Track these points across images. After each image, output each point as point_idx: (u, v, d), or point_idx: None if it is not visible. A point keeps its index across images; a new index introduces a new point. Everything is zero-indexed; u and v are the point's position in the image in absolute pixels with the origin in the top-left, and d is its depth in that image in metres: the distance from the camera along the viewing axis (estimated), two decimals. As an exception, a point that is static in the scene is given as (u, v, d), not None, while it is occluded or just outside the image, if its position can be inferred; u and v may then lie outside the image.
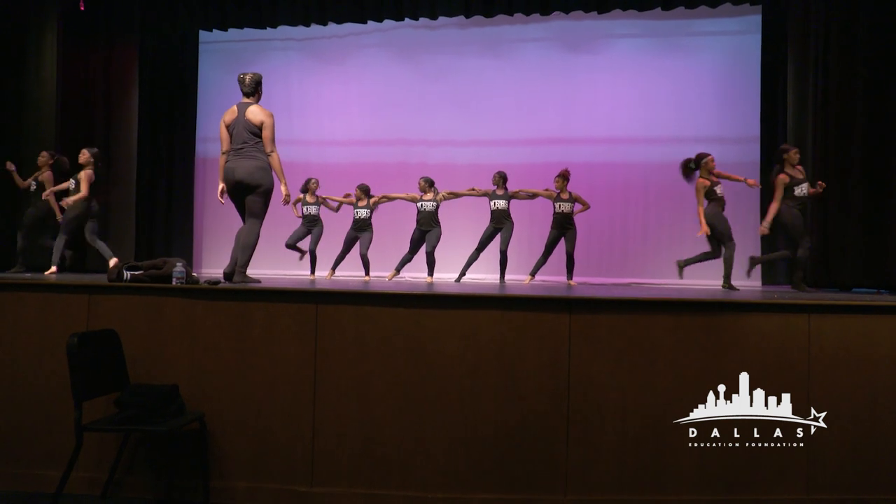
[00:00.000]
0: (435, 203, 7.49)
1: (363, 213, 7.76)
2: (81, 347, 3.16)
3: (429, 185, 7.55)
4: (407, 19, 8.36)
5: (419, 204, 7.54)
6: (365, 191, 7.83)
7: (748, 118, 8.35)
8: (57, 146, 7.64)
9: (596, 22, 8.58)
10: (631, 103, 8.76)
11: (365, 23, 8.40)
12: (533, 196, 7.51)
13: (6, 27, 7.69)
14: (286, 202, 4.81)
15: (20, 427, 3.72)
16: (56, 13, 7.75)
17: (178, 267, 3.88)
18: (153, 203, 9.13)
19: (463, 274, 7.49)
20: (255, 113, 4.61)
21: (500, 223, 7.46)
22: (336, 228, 8.14)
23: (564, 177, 7.34)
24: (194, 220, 9.52)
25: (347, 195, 8.00)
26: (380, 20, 8.32)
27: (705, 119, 8.60)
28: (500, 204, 7.43)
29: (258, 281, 4.69)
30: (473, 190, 7.57)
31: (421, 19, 8.36)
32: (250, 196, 4.64)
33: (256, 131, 4.59)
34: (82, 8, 7.90)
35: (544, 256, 7.41)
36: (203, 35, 9.44)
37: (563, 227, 7.31)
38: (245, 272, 4.65)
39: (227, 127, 4.65)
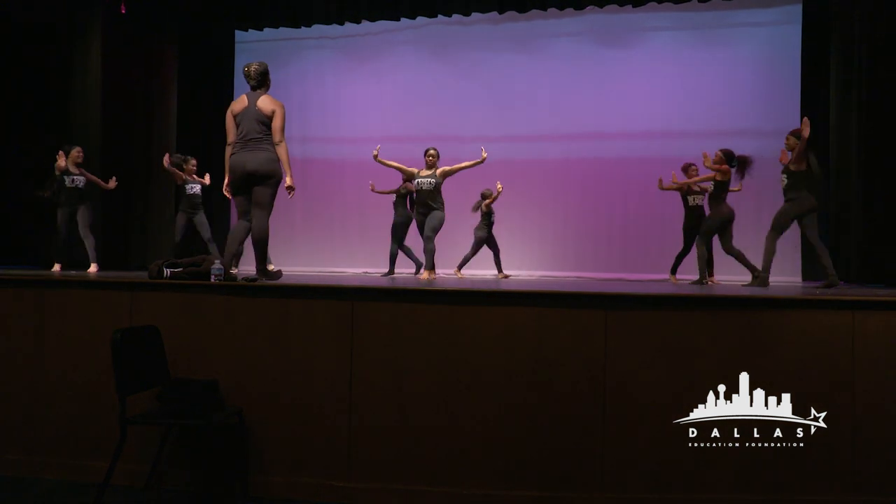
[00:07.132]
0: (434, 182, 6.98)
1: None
2: (125, 343, 3.24)
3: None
4: (440, 16, 8.36)
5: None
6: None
7: (787, 111, 8.13)
8: (101, 145, 7.85)
9: (630, 15, 8.47)
10: (667, 97, 8.63)
11: (398, 20, 8.42)
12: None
13: (54, 31, 7.91)
14: (291, 192, 4.56)
15: (68, 419, 3.83)
16: (99, 17, 7.94)
17: (217, 264, 3.95)
18: (192, 201, 9.26)
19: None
20: (266, 102, 4.41)
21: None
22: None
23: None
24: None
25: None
26: (413, 17, 8.35)
27: (743, 112, 8.41)
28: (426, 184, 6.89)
29: (279, 274, 4.62)
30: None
31: (454, 16, 8.36)
32: (259, 187, 4.42)
33: (267, 122, 4.40)
34: (123, 11, 8.06)
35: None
36: (239, 35, 9.56)
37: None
38: (266, 269, 4.54)
39: (235, 117, 4.44)
